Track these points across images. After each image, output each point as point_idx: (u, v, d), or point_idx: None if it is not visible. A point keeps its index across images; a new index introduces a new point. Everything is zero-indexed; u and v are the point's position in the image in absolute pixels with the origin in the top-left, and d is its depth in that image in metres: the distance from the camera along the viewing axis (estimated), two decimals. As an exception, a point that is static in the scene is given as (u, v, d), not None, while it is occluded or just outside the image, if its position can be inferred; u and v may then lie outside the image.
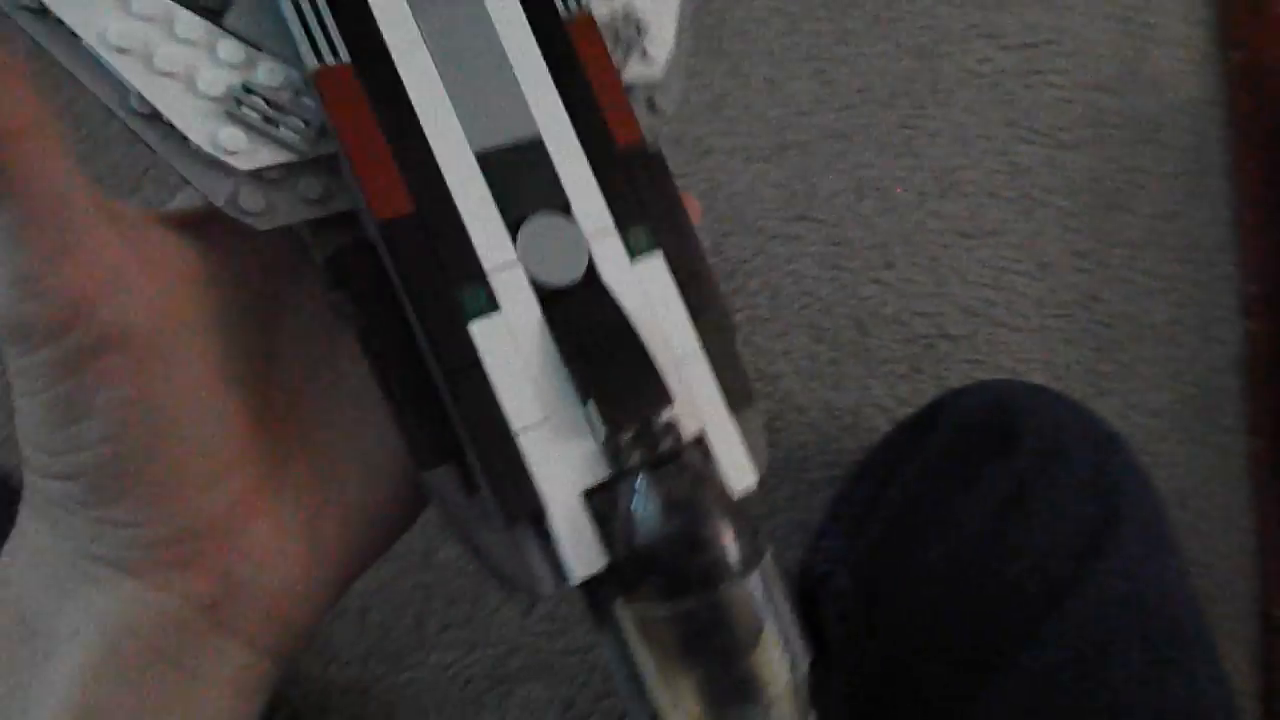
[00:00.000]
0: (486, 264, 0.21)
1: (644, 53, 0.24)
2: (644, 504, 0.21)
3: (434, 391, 0.21)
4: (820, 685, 0.46)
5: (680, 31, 0.25)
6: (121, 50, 0.19)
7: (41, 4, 0.19)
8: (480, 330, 0.20)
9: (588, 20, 0.23)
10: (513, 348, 0.21)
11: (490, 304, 0.21)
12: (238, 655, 0.22)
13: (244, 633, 0.22)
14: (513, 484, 0.20)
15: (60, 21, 0.19)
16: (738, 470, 0.23)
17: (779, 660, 0.21)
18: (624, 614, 0.21)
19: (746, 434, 0.23)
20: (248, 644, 0.22)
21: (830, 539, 0.52)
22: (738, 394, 0.23)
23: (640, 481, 0.21)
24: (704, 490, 0.21)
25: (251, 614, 0.22)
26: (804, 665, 0.22)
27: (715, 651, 0.21)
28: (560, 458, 0.21)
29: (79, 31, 0.19)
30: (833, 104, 0.70)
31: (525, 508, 0.20)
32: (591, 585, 0.21)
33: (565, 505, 0.21)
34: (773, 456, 0.63)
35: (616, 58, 0.24)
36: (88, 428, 0.19)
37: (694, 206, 0.25)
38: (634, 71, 0.24)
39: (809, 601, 0.50)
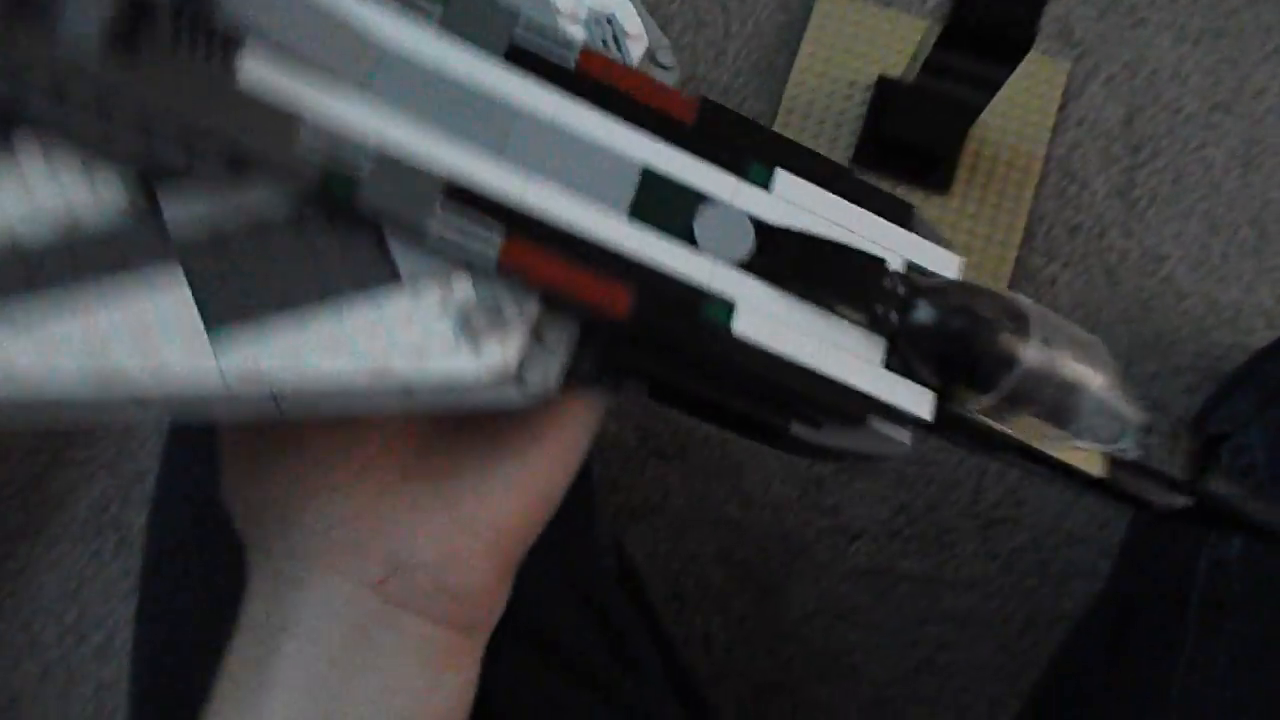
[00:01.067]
0: (695, 280, 0.24)
1: (627, 34, 0.26)
2: (930, 330, 0.25)
3: (735, 387, 0.25)
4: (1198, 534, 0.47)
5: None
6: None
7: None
8: (741, 323, 0.24)
9: (584, 52, 0.25)
10: (766, 318, 0.24)
11: (728, 308, 0.24)
12: (415, 626, 0.24)
13: (416, 605, 0.24)
14: (840, 398, 0.25)
15: None
16: (945, 262, 0.27)
17: (1088, 365, 0.26)
18: (970, 414, 0.26)
19: (928, 235, 0.27)
20: (422, 615, 0.24)
21: (1234, 401, 0.52)
22: (899, 212, 0.27)
23: (917, 318, 0.25)
24: (957, 295, 0.25)
25: (419, 587, 0.24)
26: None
27: (1045, 398, 0.25)
28: (852, 359, 0.25)
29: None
30: (1279, -1, 0.67)
31: (861, 408, 0.25)
32: (937, 418, 0.26)
33: (879, 382, 0.25)
34: (1140, 333, 0.63)
35: (615, 55, 0.26)
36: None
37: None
38: (634, 54, 0.26)
39: (1209, 458, 0.50)
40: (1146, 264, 0.65)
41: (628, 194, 0.24)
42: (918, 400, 0.25)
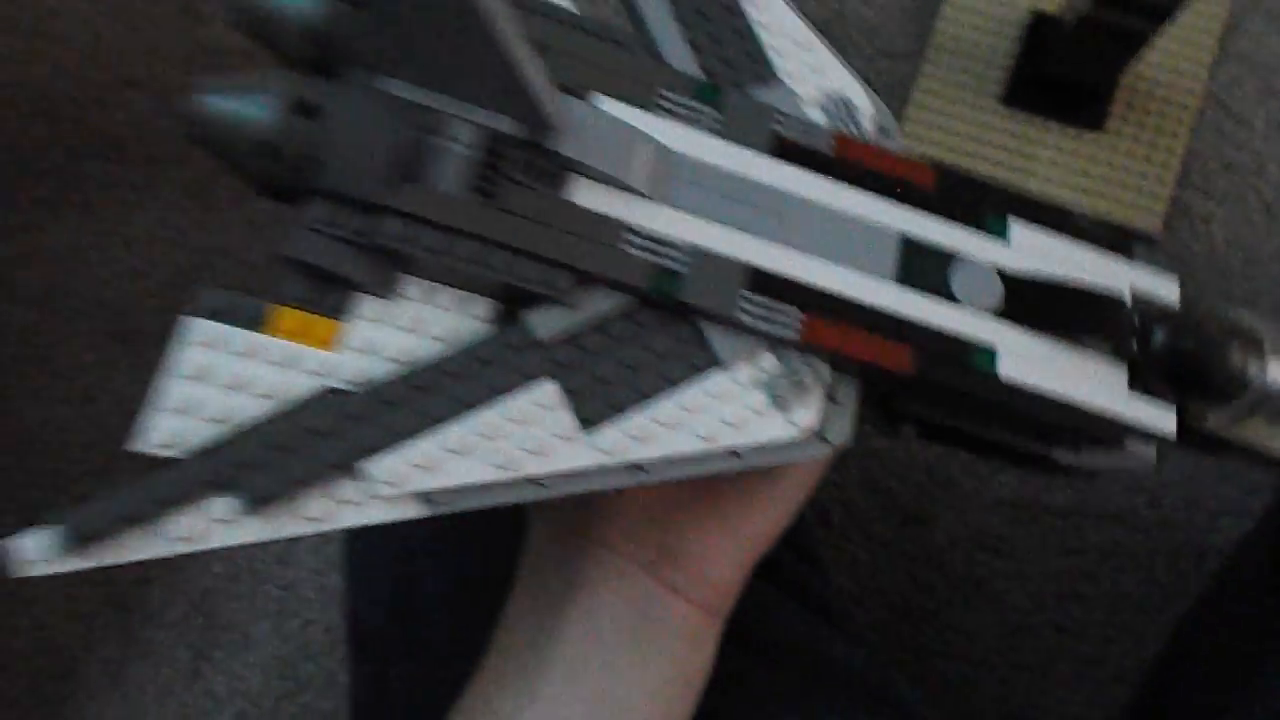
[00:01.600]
0: (960, 332, 0.27)
1: (860, 112, 0.29)
2: (1168, 353, 0.28)
3: (1005, 424, 0.28)
4: None
5: (854, 76, 0.30)
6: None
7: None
8: (1004, 367, 0.27)
9: (836, 134, 0.28)
10: (1025, 360, 0.27)
11: (990, 355, 0.27)
12: (678, 605, 0.29)
13: (681, 589, 0.29)
14: (1100, 424, 0.27)
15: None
16: (1166, 287, 0.30)
17: None
18: (1223, 427, 0.29)
19: (1148, 262, 0.30)
20: (685, 599, 0.29)
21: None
22: (1121, 244, 0.30)
23: (1156, 343, 0.28)
24: (1189, 318, 0.28)
25: (684, 573, 0.29)
26: None
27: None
28: (1103, 387, 0.28)
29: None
30: None
31: (1117, 432, 0.28)
32: (1183, 434, 0.28)
33: (1129, 405, 0.28)
34: (1228, 285, 0.62)
35: (852, 132, 0.29)
36: None
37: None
38: (868, 130, 0.29)
39: None
40: (1306, 208, 0.64)
41: (893, 261, 0.28)
42: (1163, 418, 0.28)
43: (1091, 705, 0.61)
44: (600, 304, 0.26)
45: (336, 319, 0.24)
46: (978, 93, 0.65)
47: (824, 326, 0.26)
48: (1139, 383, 0.28)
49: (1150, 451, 0.28)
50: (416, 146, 0.25)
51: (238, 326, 0.24)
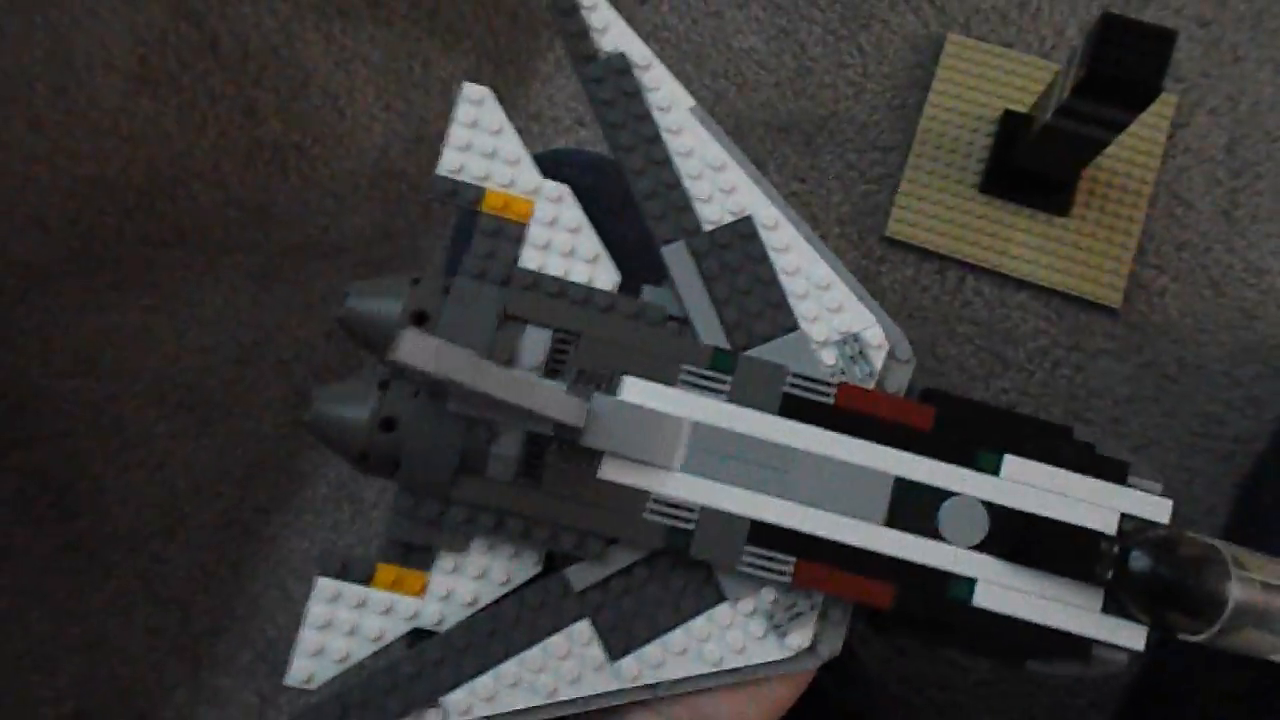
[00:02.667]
0: (946, 568, 0.30)
1: (870, 346, 0.32)
2: (1141, 579, 0.30)
3: (979, 645, 0.31)
4: None
5: (869, 306, 0.33)
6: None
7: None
8: (980, 597, 0.30)
9: (840, 386, 0.31)
10: (1001, 589, 0.30)
11: (969, 584, 0.30)
12: None
13: None
14: (1067, 645, 0.30)
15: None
16: (1157, 509, 0.32)
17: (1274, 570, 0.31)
18: (1212, 641, 0.30)
19: (1143, 483, 0.32)
20: None
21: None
22: (1115, 471, 0.32)
23: (1131, 568, 0.30)
24: (1164, 545, 0.30)
25: None
26: None
27: (1263, 623, 0.30)
28: (1074, 612, 0.30)
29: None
30: (1372, 34, 0.74)
31: (1085, 651, 0.30)
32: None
33: (1100, 626, 0.30)
34: (1244, 339, 0.71)
35: (862, 368, 0.32)
36: None
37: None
38: (877, 363, 0.32)
39: None
40: (1249, 276, 0.73)
41: (884, 504, 0.31)
42: (1132, 636, 0.31)
43: (1072, 729, 0.68)
44: (623, 557, 0.31)
45: (424, 571, 0.31)
46: (958, 182, 0.73)
47: (814, 570, 0.30)
48: (1113, 604, 0.30)
49: (1121, 658, 0.31)
50: (477, 450, 0.30)
51: (352, 582, 0.31)
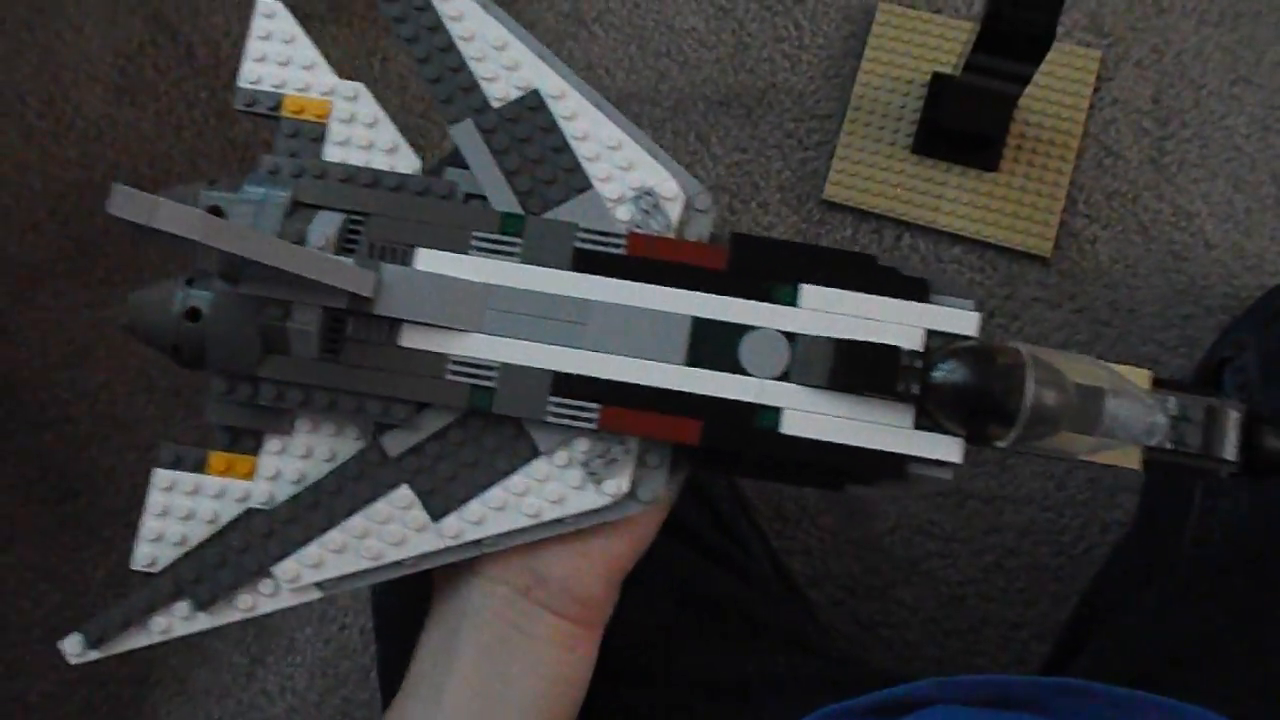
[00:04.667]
0: (750, 399, 0.31)
1: (665, 198, 0.33)
2: (944, 390, 0.30)
3: (795, 473, 0.32)
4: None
5: (663, 162, 0.34)
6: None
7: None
8: (788, 425, 0.31)
9: (631, 238, 0.32)
10: (807, 416, 0.31)
11: (775, 413, 0.31)
12: (551, 619, 0.34)
13: (552, 606, 0.34)
14: (880, 464, 0.31)
15: None
16: (965, 321, 0.32)
17: (1088, 371, 0.31)
18: (1002, 439, 0.31)
19: (951, 296, 0.32)
20: (556, 613, 0.34)
21: (1239, 331, 0.62)
22: (916, 290, 0.32)
23: (933, 381, 0.31)
24: (961, 355, 0.30)
25: (554, 594, 0.33)
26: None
27: (1064, 416, 0.30)
28: (885, 430, 0.31)
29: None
30: (1294, -20, 0.76)
31: (898, 467, 0.31)
32: (970, 453, 0.31)
33: (912, 442, 0.31)
34: (1175, 281, 0.73)
35: (658, 220, 0.33)
36: None
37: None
38: (674, 215, 0.33)
39: (1212, 381, 0.60)
40: (1179, 220, 0.75)
41: (683, 345, 0.31)
42: (948, 448, 0.31)
43: (1018, 661, 0.71)
44: (435, 421, 0.32)
45: (253, 455, 0.33)
46: (891, 144, 0.76)
47: (619, 414, 0.31)
48: (927, 418, 0.31)
49: (946, 473, 0.31)
50: (276, 329, 0.31)
51: (186, 471, 0.33)
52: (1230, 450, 0.32)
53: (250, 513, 0.33)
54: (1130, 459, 0.31)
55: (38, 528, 0.78)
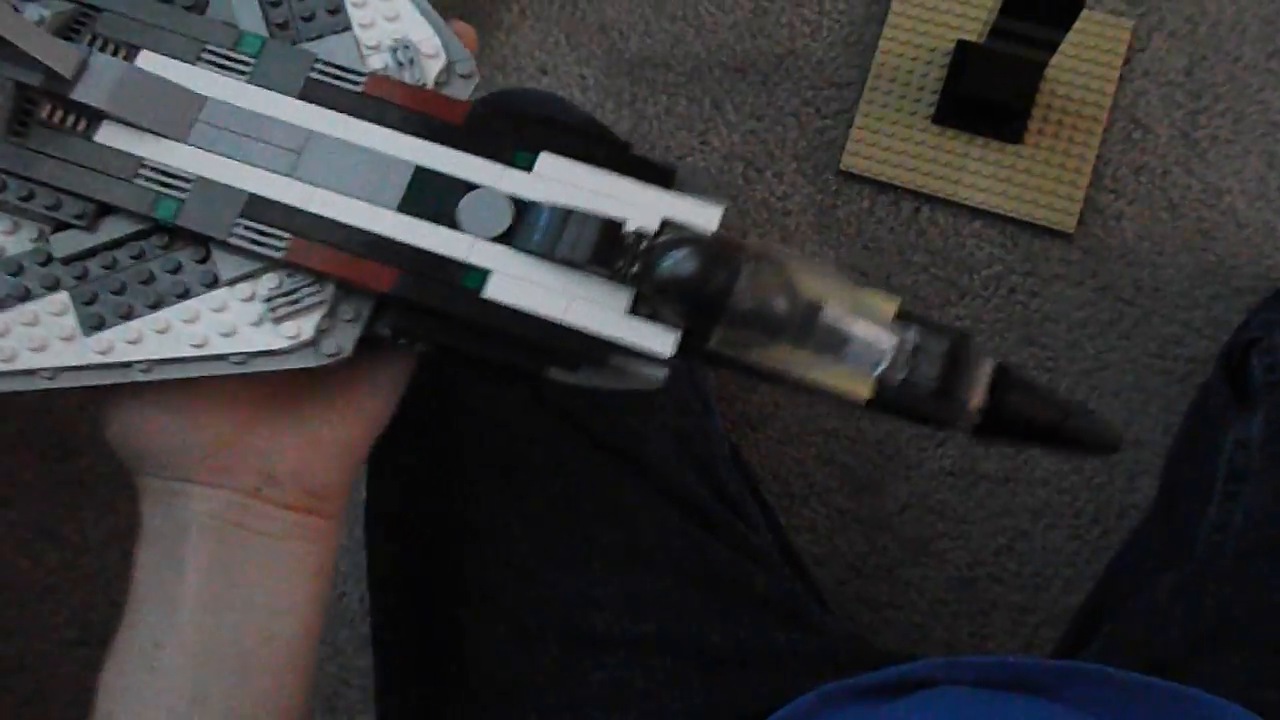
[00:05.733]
0: (457, 257, 0.29)
1: (423, 54, 0.31)
2: (672, 268, 0.28)
3: (493, 342, 0.29)
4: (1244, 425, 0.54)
5: (433, 22, 0.32)
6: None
7: None
8: (493, 289, 0.29)
9: (371, 79, 0.31)
10: (515, 282, 0.29)
11: (482, 275, 0.29)
12: (287, 516, 0.31)
13: (286, 501, 0.31)
14: (580, 344, 0.28)
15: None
16: (705, 216, 0.30)
17: (816, 288, 0.28)
18: (719, 343, 0.28)
19: (696, 192, 0.30)
20: (291, 508, 0.32)
21: (1267, 312, 0.60)
22: (661, 176, 0.30)
23: (663, 258, 0.28)
24: (688, 243, 0.28)
25: (286, 490, 0.31)
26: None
27: (779, 324, 0.28)
28: (595, 309, 0.28)
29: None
30: (1338, -50, 0.73)
31: (603, 350, 0.28)
32: (683, 355, 0.28)
33: (620, 326, 0.28)
34: (1203, 260, 0.71)
35: (412, 74, 0.31)
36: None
37: (466, 31, 0.33)
38: (430, 71, 0.31)
39: (1238, 362, 0.58)
40: (1208, 198, 0.73)
41: (399, 191, 0.30)
42: (660, 339, 0.28)
43: (1028, 647, 0.69)
44: (116, 229, 0.30)
45: None
46: (912, 114, 0.74)
47: (308, 249, 0.29)
48: (645, 306, 0.28)
49: (657, 372, 0.29)
50: None
51: None
52: (976, 396, 0.28)
53: None
54: (859, 388, 0.28)
55: (38, 487, 0.78)
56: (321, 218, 0.29)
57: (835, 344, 0.28)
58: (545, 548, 0.46)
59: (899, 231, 0.74)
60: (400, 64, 0.31)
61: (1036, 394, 0.29)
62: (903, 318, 0.29)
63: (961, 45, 0.73)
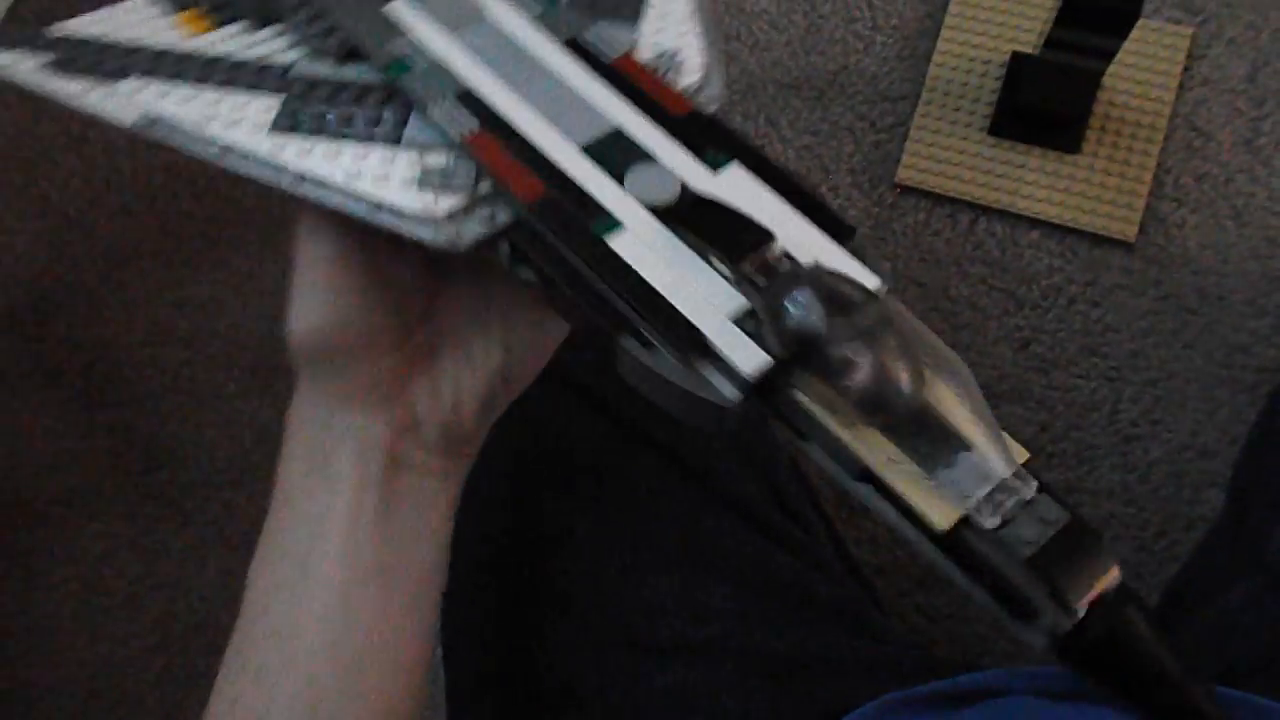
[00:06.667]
0: (601, 201, 0.29)
1: (682, 67, 0.32)
2: (799, 304, 0.25)
3: (603, 296, 0.29)
4: None
5: (711, 54, 0.33)
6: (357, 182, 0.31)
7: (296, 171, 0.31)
8: (618, 241, 0.29)
9: (626, 57, 0.32)
10: (643, 247, 0.29)
11: (615, 224, 0.29)
12: (429, 458, 0.34)
13: (429, 441, 0.34)
14: (672, 325, 0.27)
15: (317, 182, 0.30)
16: (866, 280, 0.27)
17: (949, 392, 0.25)
18: (807, 396, 0.25)
19: (857, 256, 0.28)
20: (433, 451, 0.34)
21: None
22: (838, 230, 0.28)
23: (796, 290, 0.26)
24: (831, 284, 0.26)
25: (432, 434, 0.34)
26: (965, 374, 0.25)
27: (891, 409, 0.24)
28: (700, 301, 0.27)
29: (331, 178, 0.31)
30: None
31: (688, 338, 0.27)
32: (763, 388, 0.26)
33: (718, 329, 0.27)
34: (1270, 268, 0.70)
35: (667, 78, 0.32)
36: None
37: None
38: (680, 83, 0.32)
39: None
40: (1273, 205, 0.72)
41: (591, 136, 0.31)
42: (747, 357, 0.26)
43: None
44: (354, 73, 0.33)
45: (218, 26, 0.35)
46: (967, 125, 0.74)
47: (487, 144, 0.31)
48: (751, 322, 0.27)
49: (729, 391, 0.26)
50: None
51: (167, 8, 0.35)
52: (1080, 596, 0.24)
53: (163, 51, 0.34)
54: (939, 513, 0.24)
55: (123, 499, 0.81)
56: (513, 125, 0.31)
57: (937, 448, 0.24)
58: (610, 554, 0.47)
59: (956, 243, 0.74)
60: (658, 65, 0.33)
61: (1162, 639, 0.24)
62: (1032, 473, 0.25)
63: (1016, 56, 0.73)
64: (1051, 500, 0.24)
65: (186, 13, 0.35)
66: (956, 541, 0.24)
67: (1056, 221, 0.72)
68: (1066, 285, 0.73)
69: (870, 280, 0.27)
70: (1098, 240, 0.72)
